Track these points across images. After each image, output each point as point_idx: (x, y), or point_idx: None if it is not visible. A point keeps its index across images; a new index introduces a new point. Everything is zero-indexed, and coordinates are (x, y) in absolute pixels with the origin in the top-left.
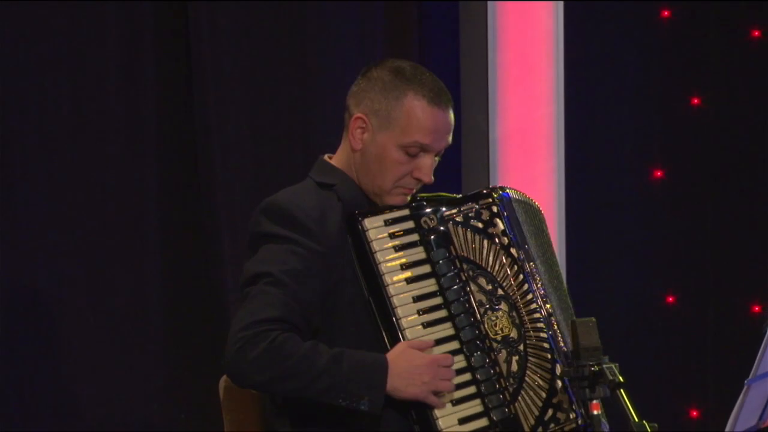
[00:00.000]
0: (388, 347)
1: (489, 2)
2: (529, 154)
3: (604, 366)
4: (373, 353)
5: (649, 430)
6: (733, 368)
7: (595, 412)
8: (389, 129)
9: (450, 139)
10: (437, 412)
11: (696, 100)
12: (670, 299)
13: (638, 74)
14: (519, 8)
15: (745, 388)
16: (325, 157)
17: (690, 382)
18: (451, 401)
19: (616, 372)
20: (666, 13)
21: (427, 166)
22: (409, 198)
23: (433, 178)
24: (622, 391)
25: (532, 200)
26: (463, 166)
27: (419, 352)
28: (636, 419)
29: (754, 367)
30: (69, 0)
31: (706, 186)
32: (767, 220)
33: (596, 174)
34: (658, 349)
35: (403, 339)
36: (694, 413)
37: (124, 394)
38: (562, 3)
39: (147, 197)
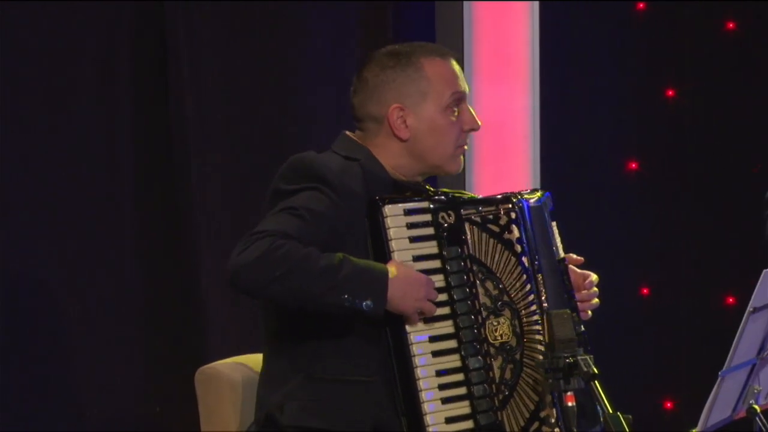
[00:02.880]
0: (389, 334)
1: (465, 2)
2: (505, 147)
3: (579, 358)
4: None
5: (623, 421)
6: (708, 360)
7: (570, 404)
8: (427, 100)
9: (467, 85)
10: (426, 406)
11: (671, 93)
12: (645, 291)
13: (613, 67)
14: (495, 8)
15: (719, 379)
16: (347, 133)
17: (664, 373)
18: (441, 399)
19: (591, 363)
20: (641, 5)
21: (470, 113)
22: (463, 159)
23: (480, 123)
24: (596, 382)
25: (542, 197)
26: None
27: (415, 271)
28: (610, 411)
29: (728, 358)
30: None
31: (680, 178)
32: (742, 212)
33: (571, 167)
34: (633, 341)
35: (404, 330)
36: (669, 404)
37: (101, 388)
38: (537, 2)
39: (124, 193)
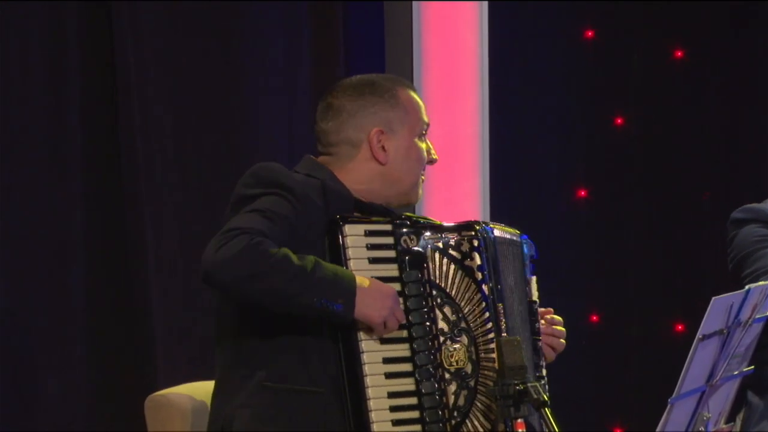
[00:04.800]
0: (342, 349)
1: (414, 2)
2: (453, 173)
3: (529, 385)
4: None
5: None
6: (657, 387)
7: (520, 431)
8: (405, 127)
9: None
10: (375, 426)
11: (619, 120)
12: (594, 318)
13: (562, 94)
14: (444, 10)
15: (669, 406)
16: (311, 156)
17: (614, 400)
18: (392, 421)
19: (541, 391)
20: (590, 33)
21: (430, 145)
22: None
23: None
24: (546, 410)
25: (512, 231)
26: None
27: (384, 282)
28: None
29: (678, 385)
30: None
31: (629, 206)
32: (691, 240)
33: (521, 193)
34: (583, 368)
35: (360, 347)
36: None
37: (47, 413)
38: (486, 14)
39: (71, 203)
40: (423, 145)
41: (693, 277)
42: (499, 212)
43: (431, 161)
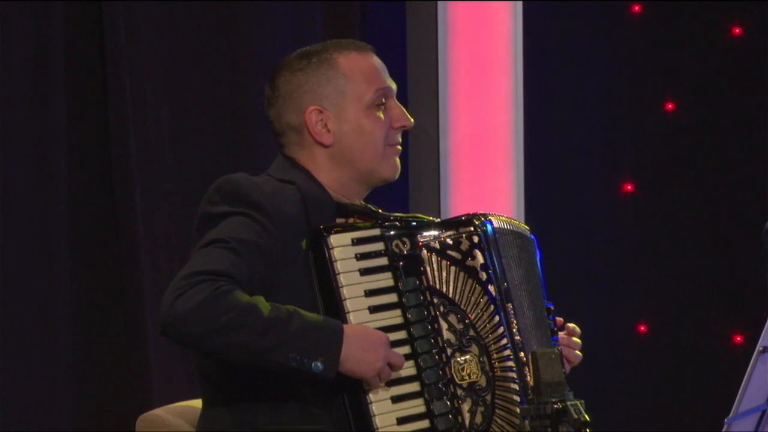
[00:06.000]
0: (344, 390)
1: (440, 2)
2: (484, 165)
3: (568, 403)
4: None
5: None
6: (712, 405)
7: None
8: (347, 99)
9: (394, 82)
10: None
11: (670, 106)
12: (642, 328)
13: (606, 76)
14: (473, 8)
15: (725, 426)
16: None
17: (665, 420)
18: None
19: (582, 410)
20: (636, 8)
21: (399, 109)
22: (399, 162)
23: (412, 119)
24: (587, 431)
25: (522, 227)
26: (410, 178)
27: (373, 329)
28: None
29: (735, 403)
30: None
31: (681, 201)
32: (752, 240)
33: (559, 188)
34: (629, 384)
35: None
36: None
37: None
38: (520, 2)
39: (56, 203)
40: (380, 114)
41: (753, 282)
42: (534, 210)
43: (402, 126)
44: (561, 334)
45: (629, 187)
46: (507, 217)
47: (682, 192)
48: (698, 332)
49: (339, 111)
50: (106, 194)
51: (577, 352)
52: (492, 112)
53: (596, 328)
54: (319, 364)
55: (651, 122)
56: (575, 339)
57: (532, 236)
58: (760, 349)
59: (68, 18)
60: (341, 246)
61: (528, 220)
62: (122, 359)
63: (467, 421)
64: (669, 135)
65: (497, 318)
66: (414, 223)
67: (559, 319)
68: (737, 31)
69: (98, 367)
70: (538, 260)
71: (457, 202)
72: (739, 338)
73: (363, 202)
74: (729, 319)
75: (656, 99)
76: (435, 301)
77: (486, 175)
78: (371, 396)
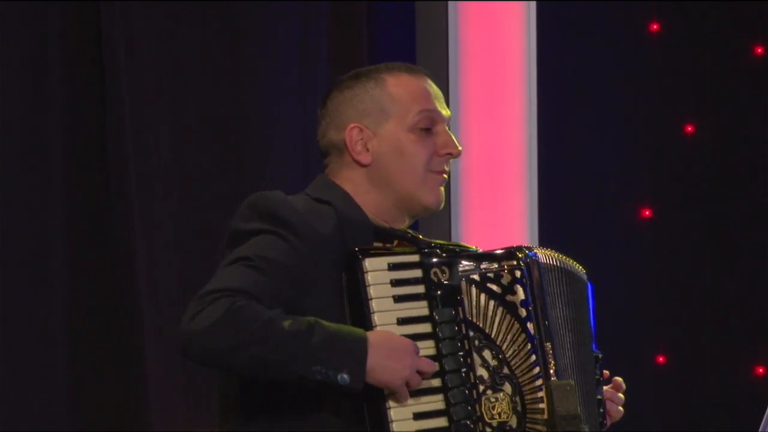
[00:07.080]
0: (366, 408)
1: (450, 2)
2: (495, 189)
3: None
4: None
5: None
6: None
7: None
8: (390, 118)
9: (448, 110)
10: None
11: (690, 128)
12: (661, 359)
13: (623, 98)
14: (485, 10)
15: None
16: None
17: None
18: None
19: None
20: (655, 26)
21: (448, 135)
22: (443, 190)
23: (460, 147)
24: None
25: (575, 267)
26: None
27: (399, 336)
28: None
29: None
30: None
31: (702, 228)
32: None
33: (575, 213)
34: (647, 417)
35: (386, 404)
36: None
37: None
38: (534, 15)
39: (52, 204)
40: (425, 137)
41: None
42: (548, 235)
43: (449, 153)
44: (606, 387)
45: (647, 213)
46: (557, 254)
47: (703, 218)
48: (719, 363)
49: (379, 130)
50: (103, 199)
51: (620, 407)
52: (505, 133)
53: (613, 358)
54: (345, 376)
55: (670, 145)
56: (620, 394)
57: (588, 282)
58: None
59: (66, 19)
60: (376, 270)
61: (541, 246)
62: (119, 371)
63: None
64: (689, 158)
65: (534, 357)
66: (456, 251)
67: (606, 372)
68: (759, 50)
69: (101, 396)
70: (590, 305)
71: (466, 228)
72: (761, 370)
73: (405, 229)
74: (751, 350)
75: (676, 121)
76: (470, 334)
77: (497, 198)
78: (394, 426)
